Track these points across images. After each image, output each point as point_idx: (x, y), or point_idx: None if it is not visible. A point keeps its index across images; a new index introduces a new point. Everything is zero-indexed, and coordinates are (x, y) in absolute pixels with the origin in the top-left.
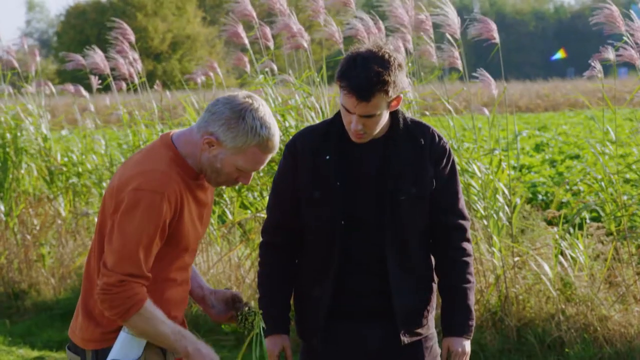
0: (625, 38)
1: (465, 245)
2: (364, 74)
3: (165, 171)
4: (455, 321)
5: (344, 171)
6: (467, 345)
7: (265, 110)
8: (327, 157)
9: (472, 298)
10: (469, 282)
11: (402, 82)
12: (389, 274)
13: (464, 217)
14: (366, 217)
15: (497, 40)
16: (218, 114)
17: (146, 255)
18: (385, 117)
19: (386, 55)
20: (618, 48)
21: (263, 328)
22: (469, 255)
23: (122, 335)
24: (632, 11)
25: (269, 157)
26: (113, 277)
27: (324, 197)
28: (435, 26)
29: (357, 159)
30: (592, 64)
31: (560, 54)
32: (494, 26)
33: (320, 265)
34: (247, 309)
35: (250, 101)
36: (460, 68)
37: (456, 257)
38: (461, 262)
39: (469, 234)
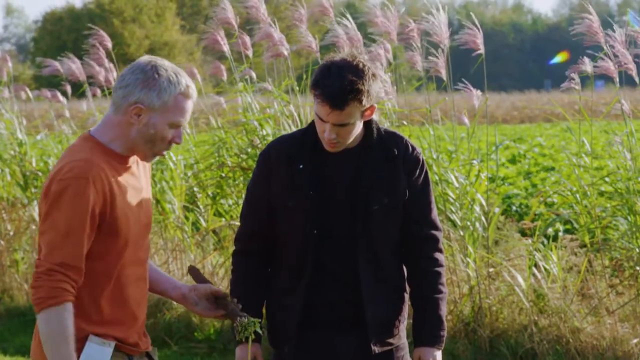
0: (604, 50)
1: (437, 255)
2: (338, 82)
3: (87, 158)
4: (426, 331)
5: (317, 180)
6: (439, 355)
7: (170, 64)
8: (301, 166)
9: (443, 308)
10: (440, 292)
11: (376, 92)
12: (361, 283)
13: (436, 228)
14: (339, 226)
15: (482, 50)
16: (132, 84)
17: (77, 243)
18: (359, 127)
19: (360, 65)
20: (597, 60)
21: (259, 334)
22: (440, 265)
23: (88, 346)
24: (629, 16)
25: (192, 104)
26: (44, 266)
27: (297, 206)
28: (424, 34)
29: (330, 168)
30: (570, 75)
31: (560, 57)
32: (480, 35)
33: (293, 273)
34: (245, 319)
35: (154, 59)
36: (444, 77)
37: (428, 267)
38: (433, 272)
39: (441, 244)
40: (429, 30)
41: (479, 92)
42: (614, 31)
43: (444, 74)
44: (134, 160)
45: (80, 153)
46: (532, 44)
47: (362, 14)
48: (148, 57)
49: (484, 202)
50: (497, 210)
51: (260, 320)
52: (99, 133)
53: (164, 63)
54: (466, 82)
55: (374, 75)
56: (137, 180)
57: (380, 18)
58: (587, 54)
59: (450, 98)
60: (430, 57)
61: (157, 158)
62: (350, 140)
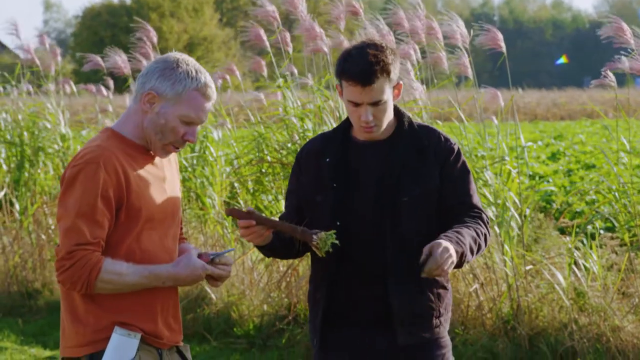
0: (633, 50)
1: (482, 223)
2: (362, 59)
3: (99, 144)
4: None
5: (343, 173)
6: (452, 247)
7: (196, 63)
8: (327, 160)
9: (475, 238)
10: (479, 230)
11: (399, 70)
12: (390, 278)
13: (481, 210)
14: (366, 219)
15: (504, 49)
16: (151, 72)
17: (91, 223)
18: (391, 107)
19: (378, 42)
20: (629, 59)
21: (336, 244)
22: (483, 227)
23: (115, 337)
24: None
25: (210, 106)
26: (62, 252)
27: (323, 200)
28: (445, 37)
29: (358, 161)
30: (604, 73)
31: (563, 59)
32: (500, 36)
33: (321, 267)
34: (323, 233)
35: (180, 55)
36: (471, 76)
37: (468, 220)
38: (473, 223)
39: (487, 222)
40: (448, 33)
41: (510, 91)
42: None
43: (469, 73)
44: None
45: (95, 142)
46: (573, 40)
47: (390, 15)
48: (179, 53)
49: (516, 201)
50: (527, 210)
51: (335, 231)
52: (119, 126)
53: (188, 59)
54: (486, 86)
55: (393, 51)
56: (160, 170)
57: (405, 20)
58: (622, 53)
59: (479, 95)
60: (451, 56)
61: (170, 155)
62: (386, 122)
